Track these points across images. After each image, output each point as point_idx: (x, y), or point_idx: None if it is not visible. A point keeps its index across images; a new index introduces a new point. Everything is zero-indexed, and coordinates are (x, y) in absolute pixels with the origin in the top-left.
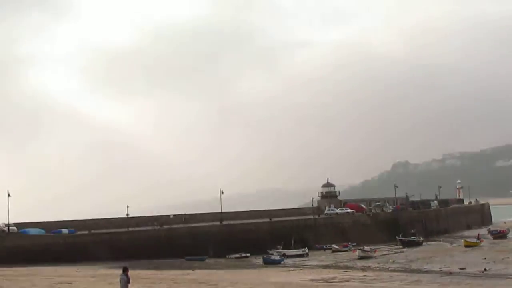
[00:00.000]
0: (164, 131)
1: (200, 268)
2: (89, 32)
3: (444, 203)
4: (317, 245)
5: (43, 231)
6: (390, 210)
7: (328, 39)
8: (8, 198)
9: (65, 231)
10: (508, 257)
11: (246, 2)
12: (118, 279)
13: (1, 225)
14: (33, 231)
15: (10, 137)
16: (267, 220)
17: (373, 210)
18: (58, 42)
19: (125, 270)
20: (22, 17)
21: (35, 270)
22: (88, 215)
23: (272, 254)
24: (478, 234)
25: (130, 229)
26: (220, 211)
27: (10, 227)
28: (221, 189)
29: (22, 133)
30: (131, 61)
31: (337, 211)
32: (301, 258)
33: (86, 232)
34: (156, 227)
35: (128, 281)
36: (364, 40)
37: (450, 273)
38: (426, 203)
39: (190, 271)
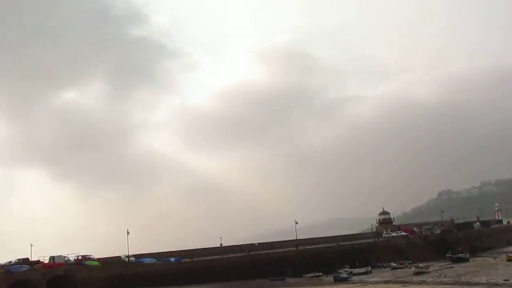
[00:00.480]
0: (247, 175)
1: (282, 286)
2: (185, 101)
3: (485, 224)
4: (378, 264)
5: (155, 260)
6: (439, 232)
7: (376, 93)
8: (127, 235)
9: (172, 259)
10: None
11: (308, 68)
12: None
13: (122, 257)
14: (147, 260)
15: (132, 184)
16: (335, 244)
17: (424, 232)
18: (163, 110)
19: None
20: (136, 92)
21: None
22: (192, 245)
23: (340, 272)
24: None
25: (224, 256)
26: (295, 238)
27: (130, 258)
28: (296, 220)
29: (141, 180)
30: (220, 121)
31: (393, 234)
32: (365, 275)
33: (189, 259)
34: (245, 253)
35: None
36: (406, 93)
37: (496, 285)
38: (469, 225)
39: (278, 287)
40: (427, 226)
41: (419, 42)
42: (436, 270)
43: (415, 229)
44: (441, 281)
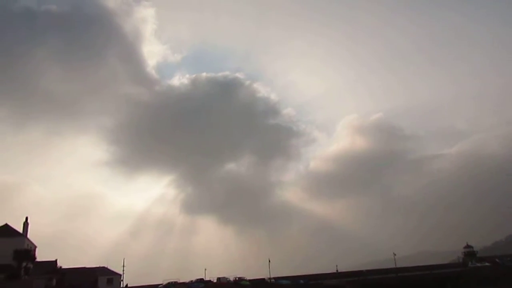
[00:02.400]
0: (354, 217)
1: None
2: (307, 166)
3: None
4: None
5: (289, 282)
6: None
7: (451, 151)
8: (269, 263)
9: (301, 281)
10: None
11: (393, 135)
12: None
13: (266, 278)
14: (284, 281)
15: (271, 225)
16: (428, 272)
17: (506, 263)
18: (291, 172)
19: None
20: (273, 161)
21: None
22: (315, 271)
23: None
24: None
25: (340, 279)
26: (395, 266)
27: (271, 279)
28: (394, 253)
29: (277, 223)
30: (332, 178)
31: (478, 264)
32: None
33: (313, 281)
34: (356, 278)
35: None
36: (477, 150)
37: None
38: None
39: None
40: (509, 259)
41: (488, 102)
42: None
43: (497, 260)
44: None
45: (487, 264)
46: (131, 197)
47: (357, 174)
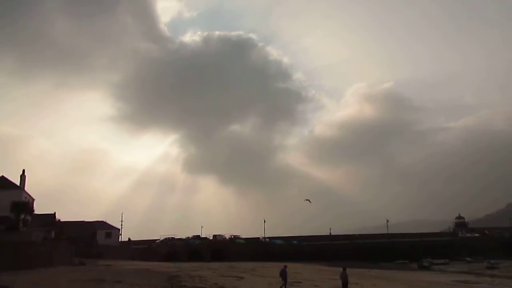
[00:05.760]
0: (353, 184)
1: (376, 268)
2: (312, 131)
3: None
4: (455, 257)
5: (283, 241)
6: (508, 236)
7: (457, 125)
8: (264, 223)
9: (295, 242)
10: None
11: (404, 107)
12: (280, 269)
13: (261, 238)
14: (277, 241)
15: (271, 187)
16: (419, 239)
17: (495, 235)
18: (295, 137)
19: (285, 267)
20: (278, 125)
21: (279, 263)
22: (309, 233)
23: (423, 262)
24: None
25: (333, 242)
26: (387, 232)
27: (265, 239)
28: (387, 219)
29: (277, 185)
30: (336, 145)
31: (468, 235)
32: (444, 266)
33: (307, 242)
34: (348, 241)
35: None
36: (482, 125)
37: None
38: None
39: (370, 270)
40: (497, 230)
41: (496, 77)
42: (506, 267)
43: (486, 232)
44: (510, 276)
45: (476, 235)
46: (135, 154)
47: (361, 142)
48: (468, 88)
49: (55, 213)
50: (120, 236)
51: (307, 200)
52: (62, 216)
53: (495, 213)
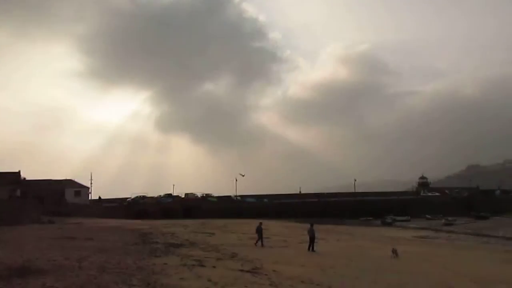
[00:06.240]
0: (325, 144)
1: (342, 225)
2: (285, 92)
3: (505, 192)
4: (416, 214)
5: (254, 199)
6: (466, 195)
7: (428, 89)
8: (236, 182)
9: (266, 200)
10: None
11: (377, 70)
12: (256, 226)
13: (232, 196)
14: (249, 199)
15: (244, 147)
16: (383, 197)
17: (454, 195)
18: (269, 97)
19: (260, 224)
20: (252, 85)
21: (250, 220)
22: (280, 191)
23: (386, 218)
24: None
25: (302, 200)
26: (354, 191)
27: (237, 197)
28: (355, 178)
29: (250, 145)
30: (309, 106)
31: (429, 194)
32: (406, 222)
33: (277, 201)
34: (316, 199)
35: (262, 230)
36: (453, 90)
37: (510, 239)
38: (491, 192)
39: (336, 226)
40: (456, 190)
41: (469, 50)
42: (462, 223)
43: (446, 191)
44: (466, 232)
45: (436, 194)
46: (104, 112)
47: (334, 104)
48: (445, 53)
49: (19, 171)
50: (90, 194)
51: (241, 174)
52: (28, 175)
53: (456, 174)
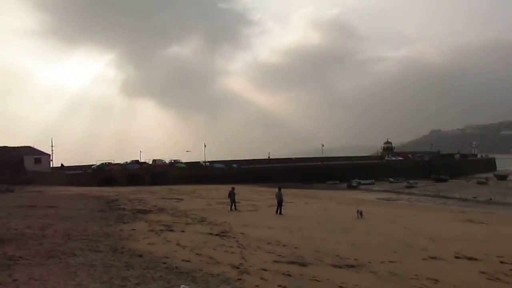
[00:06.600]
0: (295, 108)
1: (309, 188)
2: (256, 57)
3: (463, 156)
4: (380, 178)
5: (223, 165)
6: (427, 159)
7: (397, 56)
8: (205, 147)
9: (235, 165)
10: (506, 192)
11: (349, 35)
12: (227, 192)
13: (201, 162)
14: (217, 165)
15: (213, 112)
16: (350, 162)
17: (416, 159)
18: (238, 62)
19: (233, 189)
20: (221, 48)
21: (219, 186)
22: (249, 156)
23: (352, 182)
24: (487, 177)
25: (271, 165)
26: (322, 156)
27: (206, 163)
28: (322, 144)
29: (219, 110)
30: (279, 71)
31: (393, 158)
32: (370, 185)
33: (246, 166)
34: (285, 164)
35: (234, 194)
36: (420, 57)
37: (466, 200)
38: (451, 156)
39: (304, 190)
40: (419, 154)
41: (437, 17)
42: (422, 186)
43: (409, 155)
44: (425, 194)
45: (400, 158)
46: (65, 75)
47: (304, 69)
48: (412, 19)
49: None
50: (51, 162)
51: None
52: None
53: (420, 139)
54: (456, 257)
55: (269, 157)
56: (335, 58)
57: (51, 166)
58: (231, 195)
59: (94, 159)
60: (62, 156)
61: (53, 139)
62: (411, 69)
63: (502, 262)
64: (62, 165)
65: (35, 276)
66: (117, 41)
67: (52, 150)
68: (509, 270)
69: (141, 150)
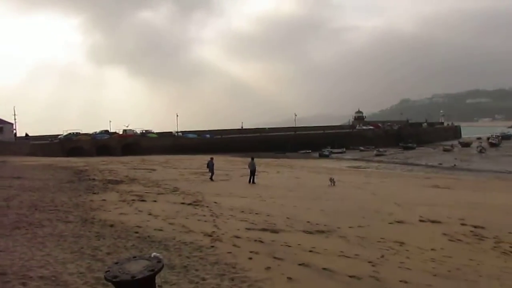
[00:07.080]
0: (268, 78)
1: (283, 158)
2: (230, 24)
3: (431, 124)
4: (351, 147)
5: (196, 135)
6: (396, 128)
7: (368, 25)
8: (177, 117)
9: (207, 135)
10: (469, 159)
11: (323, 4)
12: (206, 162)
13: (173, 132)
14: (190, 135)
15: (185, 81)
16: (322, 131)
17: (386, 128)
18: (212, 30)
19: (211, 159)
20: (194, 15)
21: (191, 156)
22: (221, 126)
23: (324, 151)
24: (452, 144)
25: (243, 135)
26: (294, 125)
27: (178, 133)
28: (295, 113)
29: (192, 79)
30: (253, 40)
31: (364, 127)
32: (341, 154)
33: (219, 136)
34: (258, 134)
35: (213, 164)
36: (392, 26)
37: (432, 166)
38: (419, 124)
39: (276, 159)
40: (388, 123)
41: None
42: (391, 154)
43: (380, 125)
44: (393, 161)
45: (370, 127)
46: (26, 40)
47: (277, 38)
48: None
49: None
50: (15, 131)
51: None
52: None
53: (390, 108)
54: (421, 221)
55: (242, 127)
56: (308, 26)
57: (15, 135)
58: (210, 165)
59: (61, 129)
60: (27, 125)
61: (15, 108)
62: (382, 38)
63: (463, 224)
64: (26, 134)
65: (0, 247)
66: (83, 5)
67: (15, 119)
68: (469, 232)
69: (110, 119)
